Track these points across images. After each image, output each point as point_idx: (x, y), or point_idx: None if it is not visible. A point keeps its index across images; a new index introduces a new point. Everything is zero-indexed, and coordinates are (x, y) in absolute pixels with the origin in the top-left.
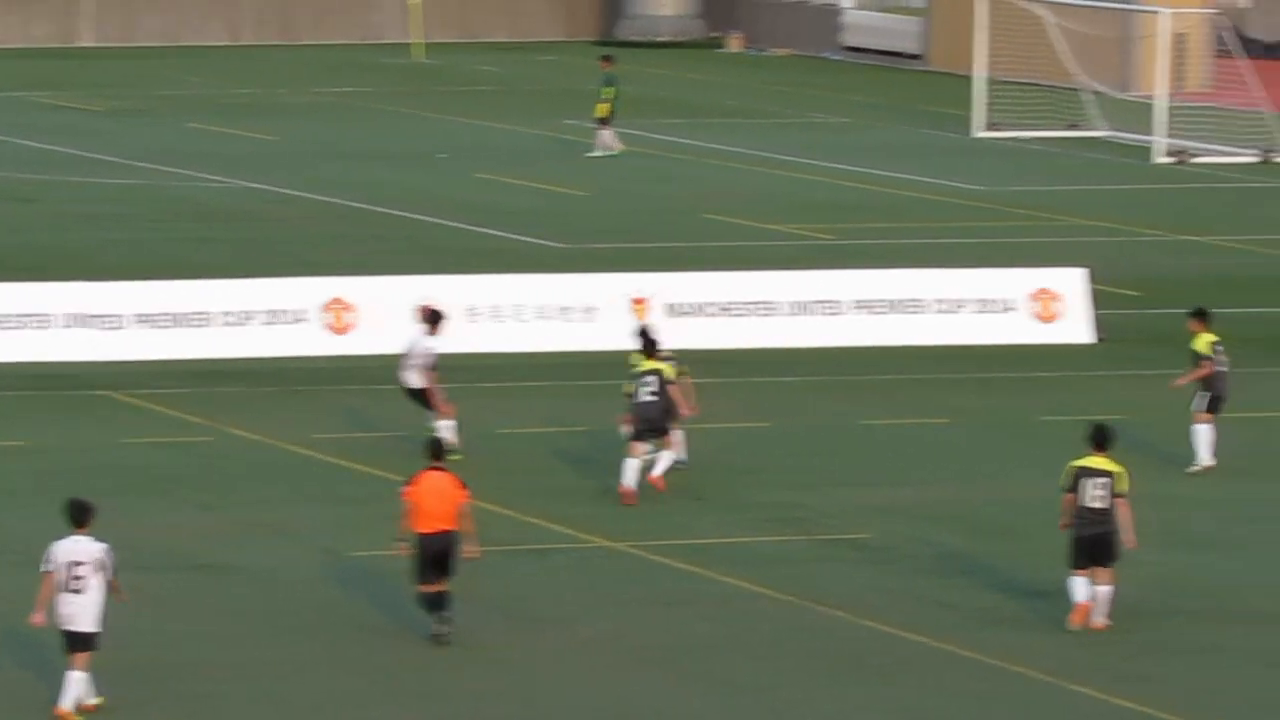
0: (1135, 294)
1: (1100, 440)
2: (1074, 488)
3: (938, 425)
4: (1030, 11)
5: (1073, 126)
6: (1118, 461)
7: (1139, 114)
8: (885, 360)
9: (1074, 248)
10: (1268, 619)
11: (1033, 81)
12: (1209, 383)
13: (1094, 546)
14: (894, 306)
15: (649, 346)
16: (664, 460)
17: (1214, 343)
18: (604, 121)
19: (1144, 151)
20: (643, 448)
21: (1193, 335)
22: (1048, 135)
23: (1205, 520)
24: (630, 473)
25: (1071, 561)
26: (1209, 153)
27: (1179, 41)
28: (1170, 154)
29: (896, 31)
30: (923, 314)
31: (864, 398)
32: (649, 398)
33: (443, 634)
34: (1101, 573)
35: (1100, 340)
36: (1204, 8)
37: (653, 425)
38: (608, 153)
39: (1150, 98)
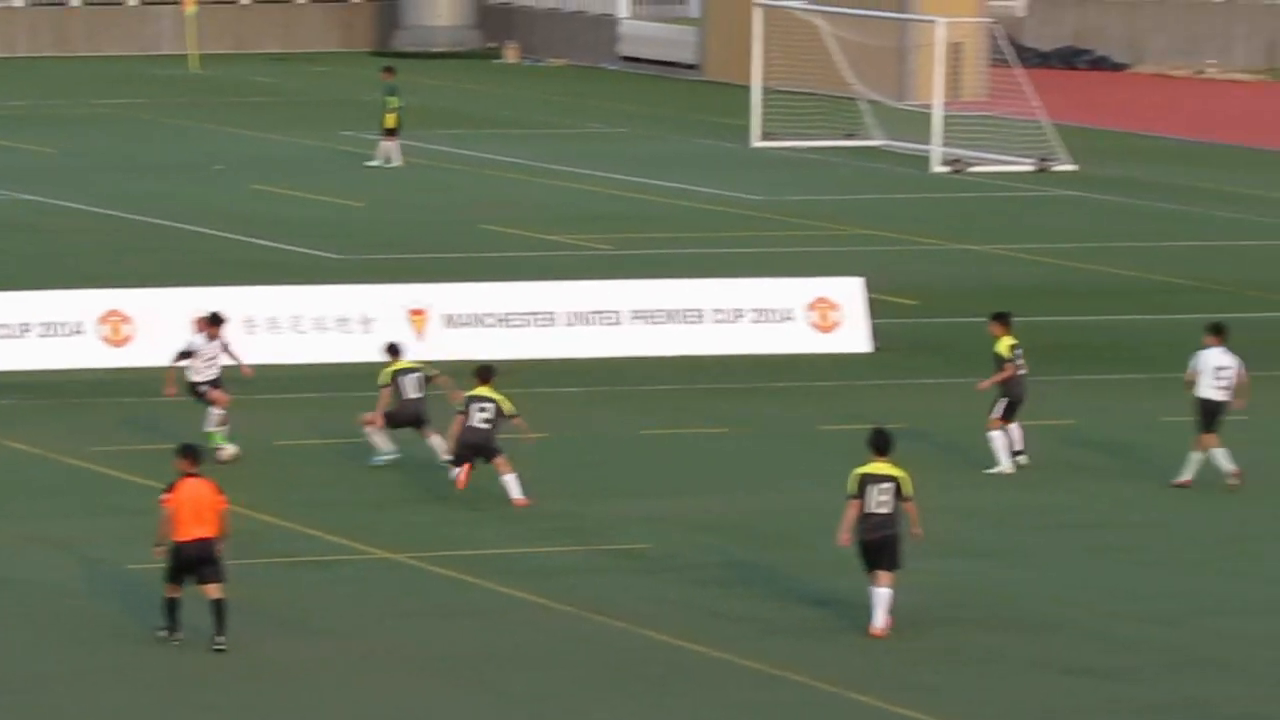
0: (912, 303)
1: (881, 445)
2: (860, 494)
3: (717, 435)
4: (806, 21)
5: (850, 136)
6: (900, 466)
7: (916, 123)
8: (664, 370)
9: (852, 257)
10: (1050, 627)
11: (809, 91)
12: (1007, 387)
13: (879, 550)
14: (672, 316)
15: (484, 373)
16: (513, 484)
17: (1014, 346)
18: (391, 132)
19: (921, 161)
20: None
21: (994, 339)
22: (825, 145)
23: (986, 529)
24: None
25: (866, 565)
26: (986, 161)
27: (955, 50)
28: (947, 163)
29: (673, 42)
30: (701, 324)
31: (643, 408)
32: (483, 424)
33: (165, 637)
34: (883, 576)
35: (877, 349)
36: (979, 17)
37: (480, 450)
38: (386, 164)
39: (927, 107)
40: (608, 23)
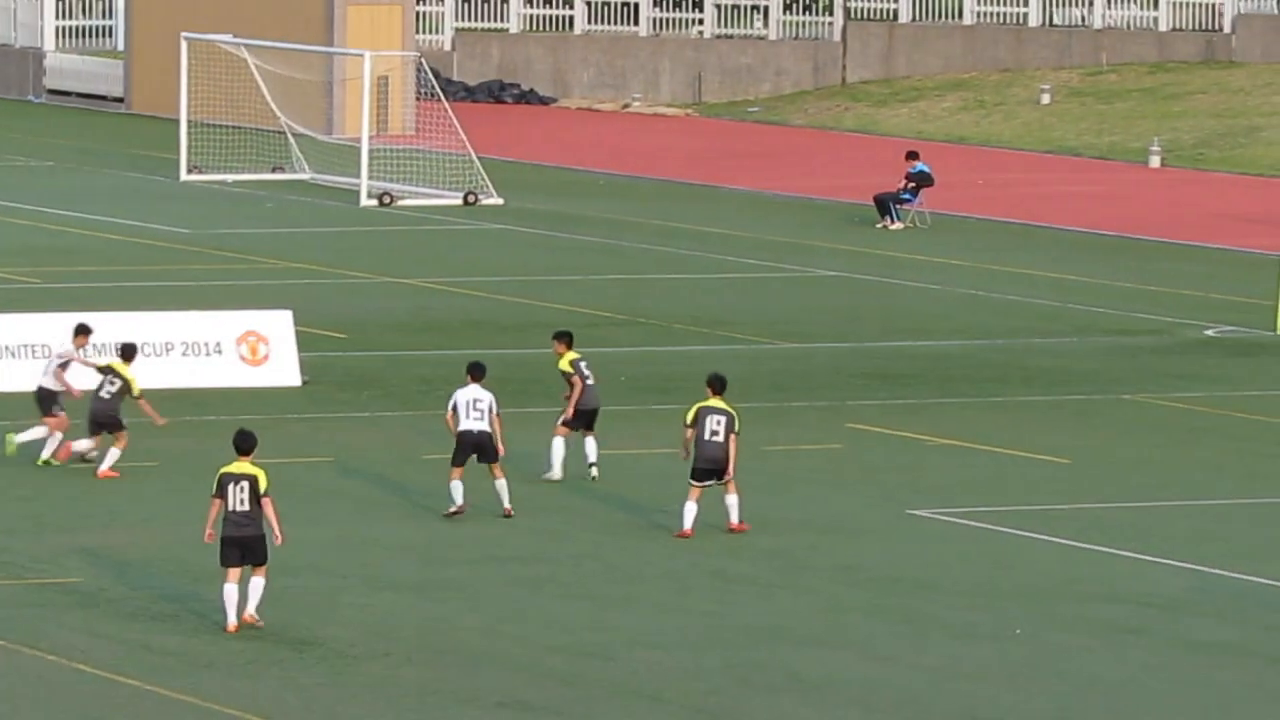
0: (341, 336)
1: (242, 445)
2: (221, 493)
3: (148, 468)
4: (233, 54)
5: (277, 169)
6: (259, 465)
7: (344, 157)
8: None
9: (281, 290)
10: (483, 660)
11: (237, 125)
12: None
13: (243, 546)
14: (102, 350)
15: (127, 351)
16: (112, 456)
17: (575, 360)
18: None
19: (350, 194)
20: (86, 444)
21: (557, 357)
22: (252, 178)
23: (415, 562)
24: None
25: (224, 562)
26: (414, 195)
27: (381, 84)
28: (375, 197)
29: (98, 75)
30: None
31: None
32: (105, 395)
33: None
34: (259, 570)
35: (305, 382)
36: (406, 51)
37: (104, 422)
38: None
39: (355, 141)
40: (34, 55)
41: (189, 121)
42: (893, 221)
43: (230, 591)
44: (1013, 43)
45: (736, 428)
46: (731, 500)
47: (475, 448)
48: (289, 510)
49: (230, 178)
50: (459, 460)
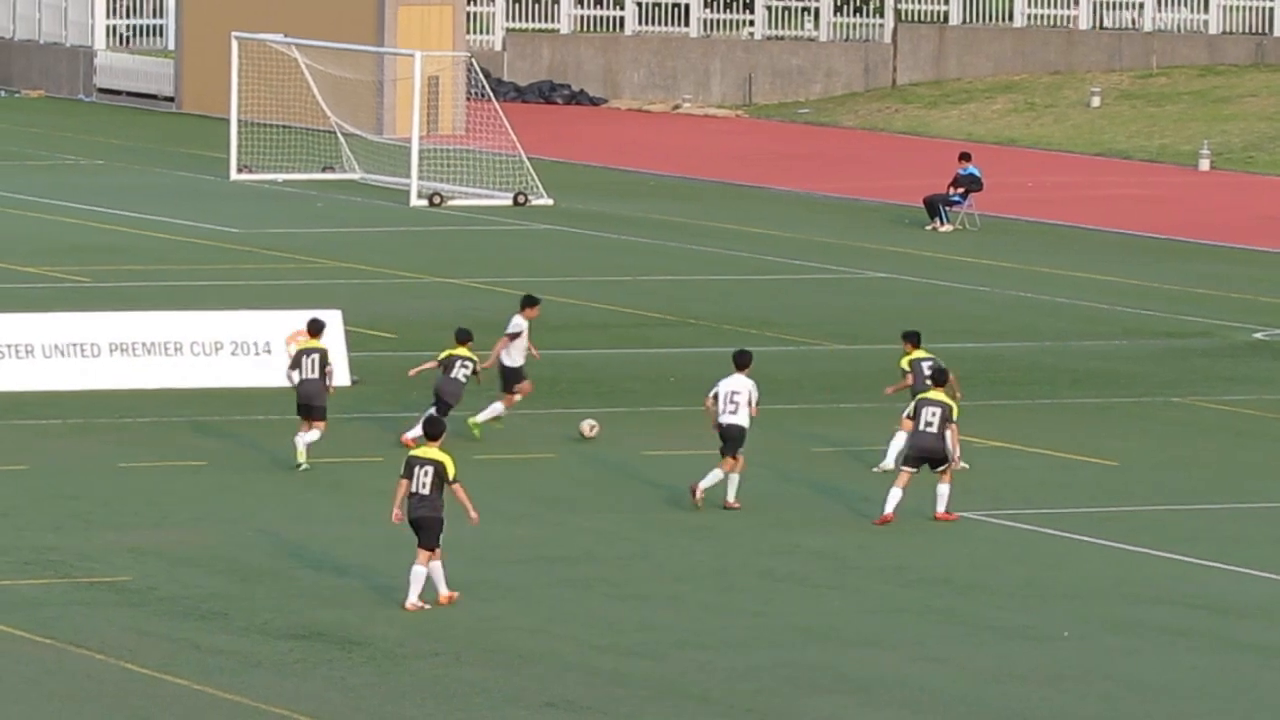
0: (391, 336)
1: (434, 432)
2: (408, 473)
3: (197, 467)
4: (284, 54)
5: (328, 169)
6: (446, 451)
7: (395, 157)
8: (144, 403)
9: (330, 290)
10: (530, 660)
11: (287, 124)
12: (913, 393)
13: (420, 527)
14: (151, 349)
15: (463, 335)
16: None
17: (915, 360)
18: None
19: (400, 194)
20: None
21: (904, 353)
22: (302, 178)
23: (464, 563)
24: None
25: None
26: (464, 195)
27: (432, 85)
28: (425, 197)
29: (149, 74)
30: (181, 356)
31: (123, 440)
32: (461, 378)
33: None
34: (422, 554)
35: (355, 382)
36: (456, 51)
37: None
38: None
39: (405, 140)
40: (85, 54)
41: (239, 121)
42: (942, 223)
43: (419, 572)
44: (1063, 45)
45: (954, 417)
46: (942, 489)
47: (726, 440)
48: (338, 510)
49: (280, 177)
50: (724, 452)
